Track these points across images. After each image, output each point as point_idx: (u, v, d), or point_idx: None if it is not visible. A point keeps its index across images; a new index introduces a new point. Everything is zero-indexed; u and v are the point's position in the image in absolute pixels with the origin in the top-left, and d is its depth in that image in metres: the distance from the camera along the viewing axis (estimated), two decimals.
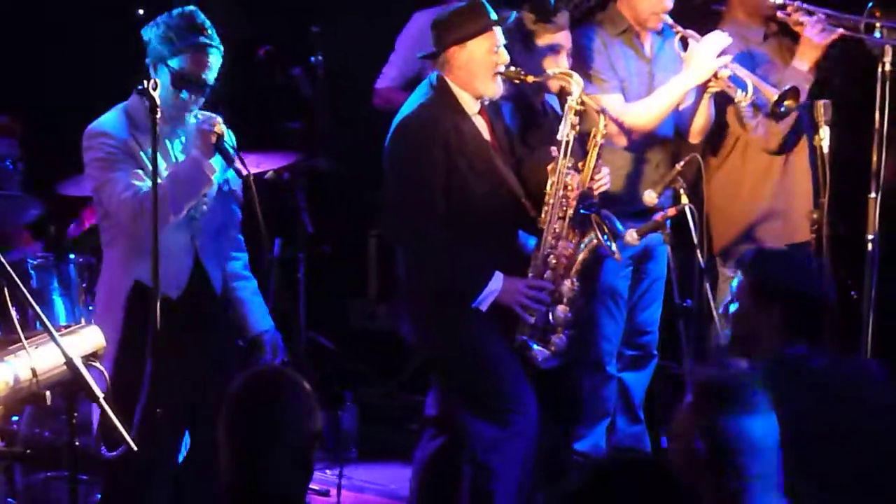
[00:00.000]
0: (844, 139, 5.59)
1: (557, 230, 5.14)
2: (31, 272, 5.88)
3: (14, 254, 6.09)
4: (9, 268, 3.57)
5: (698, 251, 5.21)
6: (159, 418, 4.42)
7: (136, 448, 3.67)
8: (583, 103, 5.12)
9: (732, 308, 3.98)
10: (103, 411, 3.58)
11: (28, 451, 5.33)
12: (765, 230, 5.87)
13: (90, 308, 5.76)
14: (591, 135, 5.18)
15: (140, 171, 4.65)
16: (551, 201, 5.13)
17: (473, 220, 5.09)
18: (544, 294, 5.09)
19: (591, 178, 5.16)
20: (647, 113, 5.67)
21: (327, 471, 6.27)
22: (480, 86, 5.11)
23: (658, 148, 5.80)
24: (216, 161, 4.67)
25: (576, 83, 5.14)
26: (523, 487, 5.12)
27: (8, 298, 3.57)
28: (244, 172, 4.65)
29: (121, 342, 4.62)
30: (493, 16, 5.09)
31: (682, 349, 5.32)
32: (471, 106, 5.15)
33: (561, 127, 5.14)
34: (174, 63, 4.67)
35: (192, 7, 4.74)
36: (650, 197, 5.29)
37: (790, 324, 3.85)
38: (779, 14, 5.78)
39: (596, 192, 5.17)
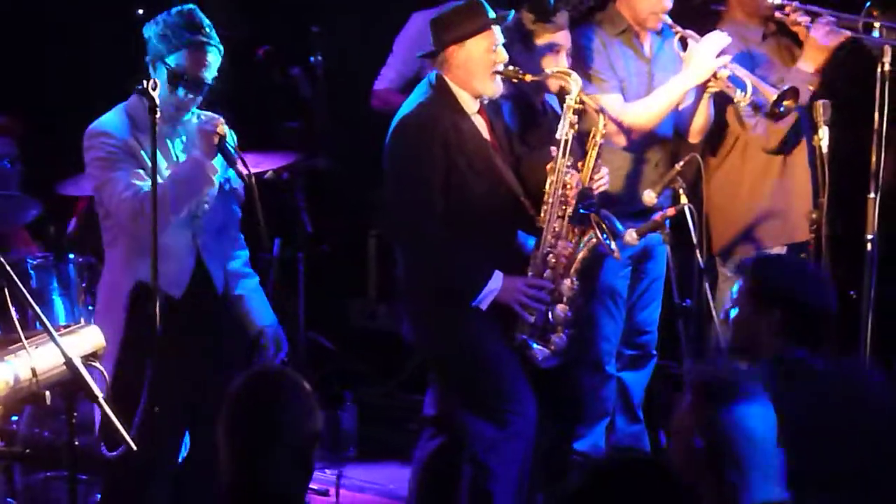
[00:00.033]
0: (844, 139, 5.59)
1: (557, 229, 5.14)
2: (31, 272, 5.87)
3: (13, 254, 6.08)
4: (9, 268, 3.58)
5: (697, 251, 5.21)
6: (159, 418, 4.42)
7: (136, 448, 3.67)
8: (581, 102, 5.12)
9: (733, 314, 3.99)
10: (103, 411, 3.58)
11: (28, 450, 5.33)
12: (764, 230, 5.88)
13: (90, 308, 5.76)
14: (591, 134, 5.19)
15: (141, 171, 4.65)
16: (550, 200, 5.12)
17: (473, 219, 5.09)
18: (544, 293, 5.09)
19: (591, 178, 5.16)
20: (646, 113, 5.67)
21: (326, 470, 6.26)
22: (479, 85, 5.11)
23: (657, 148, 5.80)
24: (217, 161, 4.67)
25: (574, 82, 5.14)
26: (522, 487, 5.12)
27: (8, 298, 3.57)
28: (245, 173, 4.65)
29: (123, 342, 4.62)
30: (492, 15, 5.09)
31: (681, 349, 5.33)
32: (470, 105, 5.15)
33: (560, 126, 5.14)
34: (171, 60, 4.67)
35: (190, 5, 4.75)
36: (649, 197, 5.29)
37: (790, 329, 3.85)
38: (777, 14, 5.78)
39: (595, 192, 5.18)
